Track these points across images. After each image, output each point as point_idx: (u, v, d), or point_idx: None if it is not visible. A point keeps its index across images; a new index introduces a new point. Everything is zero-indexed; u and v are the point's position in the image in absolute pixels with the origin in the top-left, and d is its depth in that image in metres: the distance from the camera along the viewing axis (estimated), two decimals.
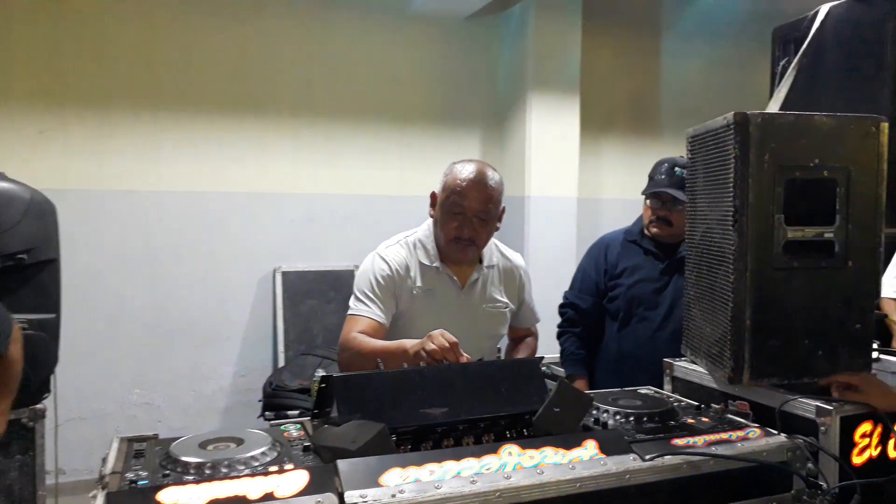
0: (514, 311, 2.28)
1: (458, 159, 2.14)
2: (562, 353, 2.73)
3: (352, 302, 2.09)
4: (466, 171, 2.05)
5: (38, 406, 2.27)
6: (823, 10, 2.38)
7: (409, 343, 1.82)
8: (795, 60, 2.44)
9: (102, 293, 4.00)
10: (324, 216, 4.49)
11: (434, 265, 2.12)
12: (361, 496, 1.15)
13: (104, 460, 1.33)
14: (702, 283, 1.85)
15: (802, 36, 2.42)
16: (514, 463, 1.29)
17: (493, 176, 2.08)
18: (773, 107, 2.44)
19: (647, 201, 2.60)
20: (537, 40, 4.62)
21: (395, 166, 4.67)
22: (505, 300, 2.23)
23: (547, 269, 4.30)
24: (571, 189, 4.77)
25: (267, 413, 3.38)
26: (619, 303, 2.60)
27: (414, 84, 4.71)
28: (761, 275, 1.62)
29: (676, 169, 2.48)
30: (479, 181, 2.04)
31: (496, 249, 2.26)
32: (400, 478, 1.20)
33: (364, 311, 2.04)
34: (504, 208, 2.14)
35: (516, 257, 2.33)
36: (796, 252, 1.64)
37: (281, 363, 4.06)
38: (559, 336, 2.74)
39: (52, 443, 2.77)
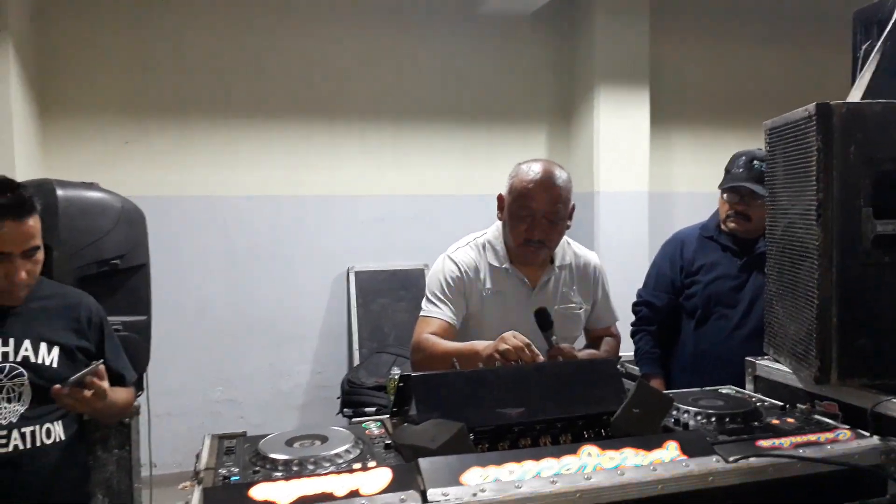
0: (588, 312, 2.24)
1: (524, 160, 2.12)
2: (636, 351, 2.69)
3: (424, 303, 2.12)
4: (533, 172, 2.03)
5: (134, 403, 2.40)
6: None
7: (482, 345, 1.83)
8: (879, 44, 2.32)
9: (185, 295, 4.19)
10: (393, 217, 4.56)
11: (504, 266, 2.11)
12: (444, 494, 1.17)
13: (198, 456, 1.39)
14: (784, 280, 1.80)
15: (886, 18, 2.30)
16: (594, 464, 1.28)
17: (560, 175, 2.05)
18: (856, 94, 2.33)
19: (724, 195, 2.54)
20: (604, 33, 4.57)
21: (462, 166, 4.70)
22: (578, 300, 2.19)
23: (619, 265, 4.24)
24: (642, 183, 4.70)
25: (345, 409, 3.46)
26: (697, 301, 2.55)
27: (480, 83, 4.73)
28: (848, 270, 1.56)
29: (755, 162, 2.40)
30: (547, 181, 2.01)
31: (569, 248, 2.23)
32: (480, 477, 1.22)
33: (435, 313, 2.05)
34: (574, 206, 2.11)
35: (591, 255, 2.28)
36: (886, 246, 1.57)
37: (356, 360, 4.15)
38: (633, 335, 2.70)
39: (146, 438, 2.93)
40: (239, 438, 1.51)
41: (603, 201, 4.60)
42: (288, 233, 4.38)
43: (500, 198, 2.13)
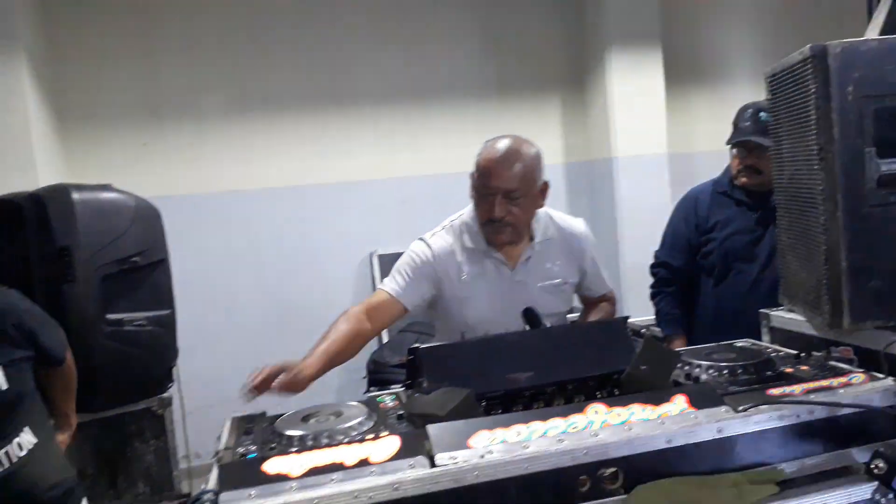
0: (577, 284, 2.15)
1: (492, 136, 2.03)
2: (657, 313, 2.69)
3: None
4: (495, 150, 1.95)
5: (165, 395, 2.49)
6: None
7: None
8: None
9: (215, 289, 4.26)
10: (410, 198, 4.56)
11: (481, 249, 2.03)
12: (451, 458, 1.20)
13: (218, 438, 1.45)
14: (794, 228, 1.78)
15: None
16: (601, 420, 1.30)
17: (526, 151, 1.95)
18: (872, 32, 2.28)
19: (734, 150, 2.51)
20: None
21: (476, 142, 4.59)
22: (564, 274, 2.09)
23: (641, 230, 4.20)
24: (661, 145, 4.63)
25: (372, 388, 3.52)
26: (714, 258, 2.53)
27: (488, 57, 4.69)
28: (854, 213, 1.53)
29: (762, 114, 2.36)
30: (507, 159, 1.92)
31: (551, 221, 2.12)
32: (488, 439, 1.24)
33: (386, 285, 2.02)
34: (547, 183, 2.00)
35: (576, 225, 2.16)
36: (892, 185, 1.54)
37: (384, 341, 4.20)
38: (653, 297, 2.69)
39: (182, 429, 3.02)
40: (258, 418, 1.56)
41: (621, 166, 4.54)
42: (309, 221, 4.43)
43: (471, 176, 2.05)
